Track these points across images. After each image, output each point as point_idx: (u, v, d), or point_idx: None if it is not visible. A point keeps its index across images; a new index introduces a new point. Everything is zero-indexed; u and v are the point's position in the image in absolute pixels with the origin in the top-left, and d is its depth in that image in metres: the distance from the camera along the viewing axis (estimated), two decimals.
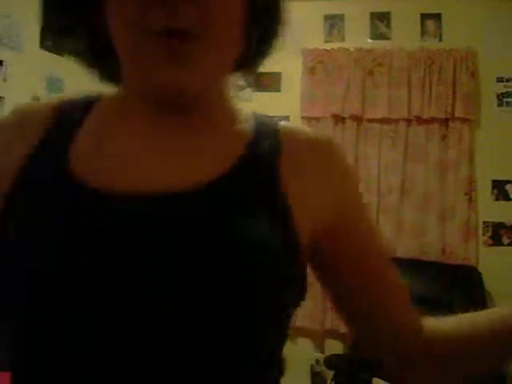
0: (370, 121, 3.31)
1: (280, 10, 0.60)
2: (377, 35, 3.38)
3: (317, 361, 3.31)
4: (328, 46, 3.40)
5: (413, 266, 3.08)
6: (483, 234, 3.19)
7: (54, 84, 3.65)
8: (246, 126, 0.61)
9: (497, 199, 3.19)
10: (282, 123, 0.64)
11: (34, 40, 3.47)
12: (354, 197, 0.67)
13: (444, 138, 3.22)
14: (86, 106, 0.60)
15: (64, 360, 0.50)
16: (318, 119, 3.38)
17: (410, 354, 0.68)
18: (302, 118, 3.42)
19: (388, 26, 3.36)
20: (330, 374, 3.45)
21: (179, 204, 0.52)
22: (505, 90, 3.18)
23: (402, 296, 0.70)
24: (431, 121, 3.21)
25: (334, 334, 3.32)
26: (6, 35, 3.18)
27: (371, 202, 3.28)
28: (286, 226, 0.55)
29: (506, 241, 3.17)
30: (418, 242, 3.20)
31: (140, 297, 0.48)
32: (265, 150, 0.59)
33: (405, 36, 3.32)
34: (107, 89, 0.63)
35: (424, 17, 3.30)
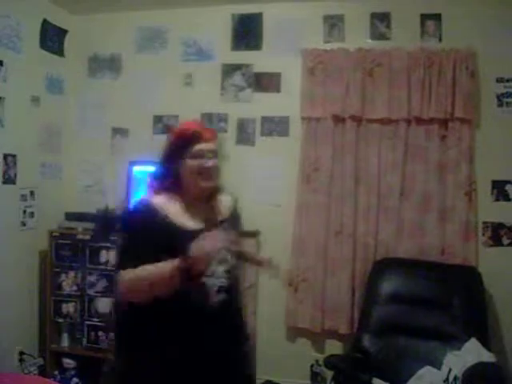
0: (369, 121, 3.31)
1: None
2: (377, 35, 3.38)
3: (317, 361, 3.31)
4: (328, 47, 3.40)
5: (413, 266, 3.08)
6: (483, 234, 3.19)
7: (53, 84, 3.65)
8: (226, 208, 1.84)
9: (497, 199, 3.19)
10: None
11: (34, 40, 3.47)
12: None
13: (444, 138, 3.21)
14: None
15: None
16: (317, 119, 3.38)
17: None
18: (302, 118, 3.42)
19: (388, 26, 3.36)
20: (329, 374, 3.47)
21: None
22: (505, 90, 3.18)
23: None
24: (431, 121, 3.21)
25: (333, 334, 3.33)
26: (5, 35, 3.18)
27: (371, 202, 3.28)
28: None
29: (505, 241, 3.17)
30: (418, 242, 3.20)
31: None
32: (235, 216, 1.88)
33: (405, 36, 3.32)
34: None
35: (424, 17, 3.30)
